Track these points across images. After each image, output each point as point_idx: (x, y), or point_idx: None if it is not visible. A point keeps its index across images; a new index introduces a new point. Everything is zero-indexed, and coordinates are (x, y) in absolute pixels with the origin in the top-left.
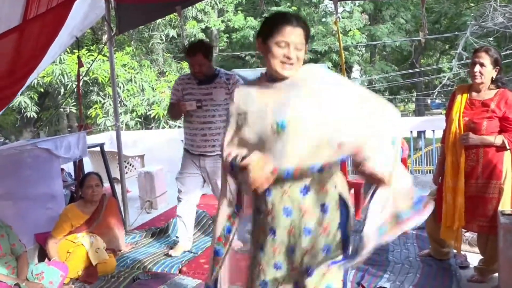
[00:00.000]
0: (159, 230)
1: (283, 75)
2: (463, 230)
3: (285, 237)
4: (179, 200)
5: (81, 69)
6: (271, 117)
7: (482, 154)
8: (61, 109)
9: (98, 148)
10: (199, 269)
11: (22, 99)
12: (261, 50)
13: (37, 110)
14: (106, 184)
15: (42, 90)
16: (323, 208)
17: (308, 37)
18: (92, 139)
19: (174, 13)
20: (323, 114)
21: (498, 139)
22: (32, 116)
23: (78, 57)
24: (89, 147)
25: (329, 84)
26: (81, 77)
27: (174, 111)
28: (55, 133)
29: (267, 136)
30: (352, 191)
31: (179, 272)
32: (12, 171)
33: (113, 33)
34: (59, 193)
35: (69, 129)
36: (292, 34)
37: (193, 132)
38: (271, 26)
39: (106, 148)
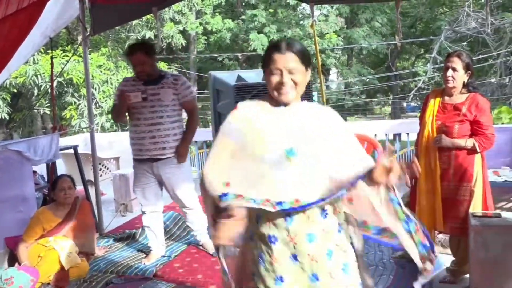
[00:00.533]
0: (134, 233)
1: (282, 101)
2: (436, 232)
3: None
4: (143, 212)
5: (55, 70)
6: (279, 143)
7: (453, 157)
8: (35, 110)
9: (71, 150)
10: (173, 273)
11: None
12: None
13: (9, 111)
14: (80, 187)
15: (15, 91)
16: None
17: (306, 60)
18: (66, 141)
19: (151, 14)
20: (327, 148)
21: (469, 142)
22: (3, 118)
23: (51, 58)
24: (62, 149)
25: (328, 121)
26: (54, 78)
27: (117, 108)
28: (29, 135)
29: (272, 161)
30: None
31: (154, 276)
32: None
33: (87, 34)
34: (30, 196)
35: (43, 130)
36: (282, 60)
37: (141, 136)
38: (265, 56)
39: (80, 150)
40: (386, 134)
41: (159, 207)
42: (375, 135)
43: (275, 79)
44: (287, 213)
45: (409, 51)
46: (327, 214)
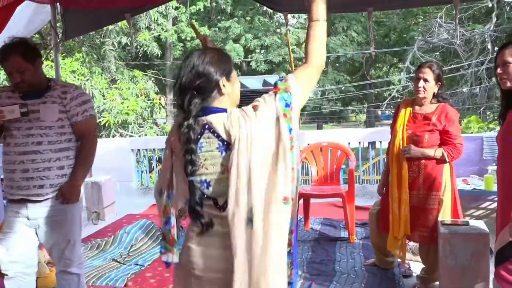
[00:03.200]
0: (105, 242)
1: None
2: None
3: None
4: (5, 274)
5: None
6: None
7: (423, 166)
8: None
9: None
10: (145, 283)
11: None
12: None
13: None
14: None
15: None
16: None
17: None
18: None
19: (124, 21)
20: None
21: (438, 152)
22: None
23: None
24: None
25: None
26: None
27: None
28: None
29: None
30: (301, 201)
31: (125, 286)
32: None
33: (59, 39)
34: None
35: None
36: None
37: (11, 168)
38: None
39: None
40: (359, 142)
41: (32, 268)
42: (349, 143)
43: None
44: None
45: (383, 60)
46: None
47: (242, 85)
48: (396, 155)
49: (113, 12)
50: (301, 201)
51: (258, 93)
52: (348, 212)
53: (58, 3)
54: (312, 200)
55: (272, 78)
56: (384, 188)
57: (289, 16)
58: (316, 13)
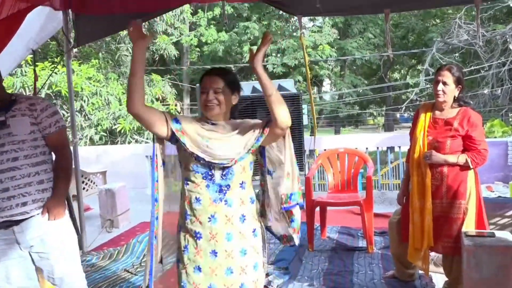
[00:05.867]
0: (117, 251)
1: (207, 116)
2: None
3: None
4: None
5: (38, 82)
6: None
7: (446, 173)
8: None
9: None
10: None
11: None
12: None
13: None
14: None
15: None
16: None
17: (232, 84)
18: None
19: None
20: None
21: (461, 158)
22: None
23: (34, 71)
24: None
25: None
26: (39, 90)
27: None
28: None
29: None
30: (317, 208)
31: None
32: None
33: (70, 46)
34: None
35: None
36: (209, 81)
37: None
38: (200, 80)
39: None
40: (377, 148)
41: None
42: (366, 148)
43: (203, 97)
44: (212, 214)
45: (401, 63)
46: (245, 219)
47: (256, 90)
48: (417, 162)
49: (125, 17)
50: (317, 208)
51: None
52: (367, 221)
53: (70, 10)
54: (328, 208)
55: (287, 83)
56: (405, 197)
57: (306, 19)
58: (266, 90)
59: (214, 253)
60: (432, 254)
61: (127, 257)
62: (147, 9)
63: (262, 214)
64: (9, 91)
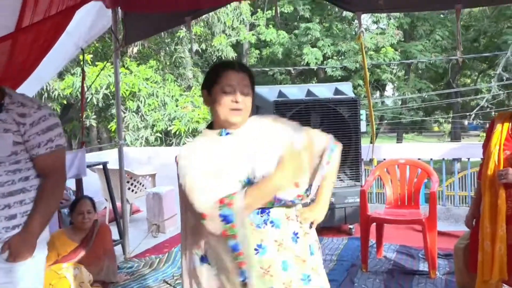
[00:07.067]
0: (159, 260)
1: (232, 122)
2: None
3: None
4: None
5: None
6: (233, 175)
7: None
8: (85, 122)
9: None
10: None
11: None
12: (207, 103)
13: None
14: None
15: (65, 102)
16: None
17: (254, 85)
18: (107, 155)
19: (198, 26)
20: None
21: None
22: None
23: (82, 70)
24: (92, 165)
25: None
26: (87, 90)
27: None
28: (81, 147)
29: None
30: (374, 224)
31: None
32: None
33: (119, 45)
34: None
35: (98, 140)
36: (236, 78)
37: None
38: (215, 73)
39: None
40: (443, 159)
41: None
42: (431, 159)
43: (228, 97)
44: (258, 244)
45: (472, 67)
46: (298, 238)
47: (312, 94)
48: (490, 180)
49: (173, 15)
50: (374, 224)
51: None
52: (429, 242)
53: (119, 8)
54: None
55: (344, 86)
56: (474, 220)
57: (369, 21)
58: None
59: None
60: (506, 287)
61: (168, 266)
62: (198, 6)
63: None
64: (69, 91)
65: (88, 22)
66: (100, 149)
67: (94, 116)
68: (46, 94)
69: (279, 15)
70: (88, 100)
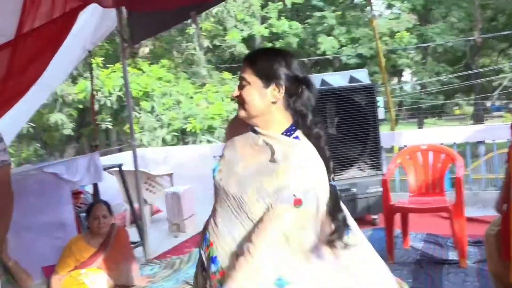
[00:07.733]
0: (180, 261)
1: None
2: None
3: None
4: None
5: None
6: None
7: None
8: (101, 125)
9: (127, 167)
10: None
11: (58, 117)
12: None
13: (73, 127)
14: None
15: (81, 106)
16: None
17: (264, 70)
18: (123, 156)
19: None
20: None
21: None
22: (69, 133)
23: (90, 72)
24: (108, 168)
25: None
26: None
27: None
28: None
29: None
30: (398, 214)
31: None
32: (15, 198)
33: (125, 45)
34: (69, 221)
35: (119, 142)
36: (241, 71)
37: None
38: None
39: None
40: (467, 142)
41: None
42: (454, 143)
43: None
44: None
45: (490, 47)
46: None
47: (326, 83)
48: None
49: (179, 11)
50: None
51: (343, 91)
52: (457, 229)
53: (123, 7)
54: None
55: (360, 74)
56: (505, 205)
57: (383, 7)
58: None
59: None
60: None
61: (189, 267)
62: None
63: None
64: (83, 95)
65: (93, 24)
66: (120, 150)
67: (110, 119)
68: (61, 100)
69: (289, 5)
70: (102, 103)
